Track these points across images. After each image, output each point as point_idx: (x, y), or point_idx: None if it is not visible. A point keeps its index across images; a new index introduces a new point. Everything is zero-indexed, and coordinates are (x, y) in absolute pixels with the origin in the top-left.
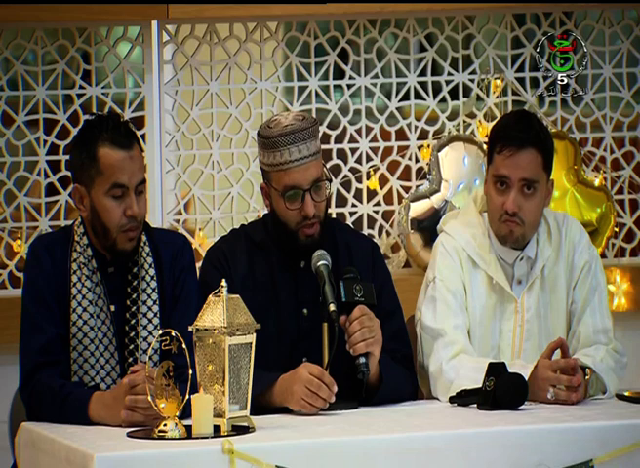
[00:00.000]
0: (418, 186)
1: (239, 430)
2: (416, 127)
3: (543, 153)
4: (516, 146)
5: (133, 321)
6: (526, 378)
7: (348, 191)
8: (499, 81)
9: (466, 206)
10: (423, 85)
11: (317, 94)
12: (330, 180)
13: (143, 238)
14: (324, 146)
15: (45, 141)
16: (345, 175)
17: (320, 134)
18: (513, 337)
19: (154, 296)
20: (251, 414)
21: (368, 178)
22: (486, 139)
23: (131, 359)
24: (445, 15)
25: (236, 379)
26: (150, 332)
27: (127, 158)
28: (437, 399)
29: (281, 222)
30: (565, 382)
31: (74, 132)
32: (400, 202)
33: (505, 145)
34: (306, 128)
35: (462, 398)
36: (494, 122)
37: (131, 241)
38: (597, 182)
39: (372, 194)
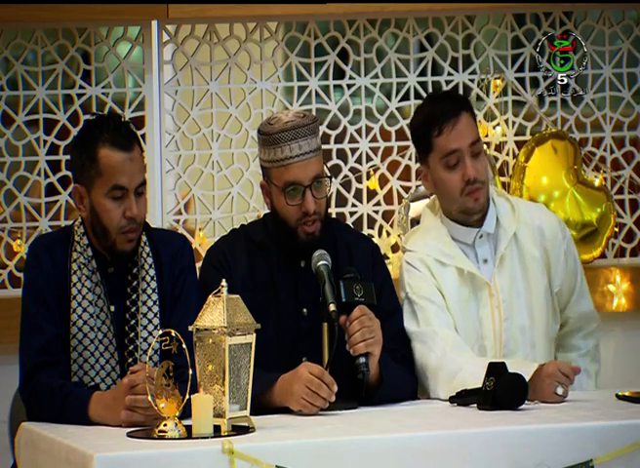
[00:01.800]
0: (418, 186)
1: (239, 430)
2: None
3: (471, 112)
4: (453, 118)
5: (133, 321)
6: (527, 378)
7: (348, 191)
8: (499, 81)
9: (423, 215)
10: (423, 85)
11: (317, 94)
12: (331, 177)
13: (143, 238)
14: (324, 146)
15: (45, 141)
16: (345, 175)
17: (320, 133)
18: (493, 321)
19: (154, 297)
20: (251, 414)
21: (368, 178)
22: (486, 139)
23: (131, 359)
24: (445, 15)
25: (236, 379)
26: (150, 333)
27: (127, 159)
28: (437, 399)
29: (281, 220)
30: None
31: (74, 132)
32: (400, 202)
33: (444, 123)
34: (307, 124)
35: (462, 398)
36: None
37: (130, 242)
38: (597, 182)
39: (372, 194)
